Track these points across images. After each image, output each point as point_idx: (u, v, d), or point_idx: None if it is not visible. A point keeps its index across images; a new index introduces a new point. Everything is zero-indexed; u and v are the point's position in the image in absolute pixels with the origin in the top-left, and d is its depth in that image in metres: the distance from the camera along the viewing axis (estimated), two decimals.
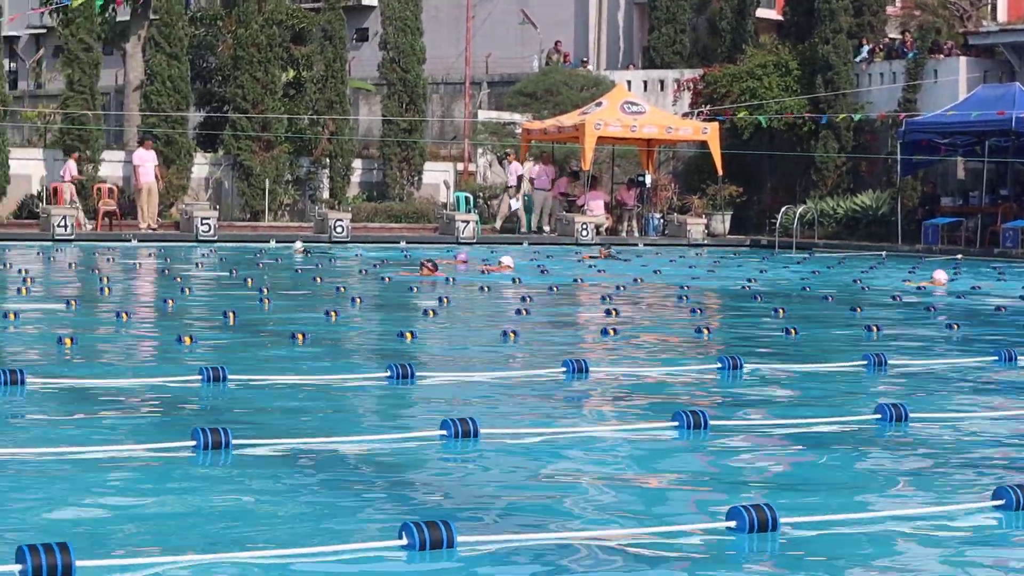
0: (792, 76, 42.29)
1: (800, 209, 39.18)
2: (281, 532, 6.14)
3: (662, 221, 40.94)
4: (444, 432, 8.18)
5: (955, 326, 16.02)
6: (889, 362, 12.19)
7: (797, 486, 7.47)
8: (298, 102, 41.74)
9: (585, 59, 51.09)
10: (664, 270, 27.13)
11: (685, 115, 43.72)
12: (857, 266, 30.04)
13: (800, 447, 8.50)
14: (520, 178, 41.10)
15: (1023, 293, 21.77)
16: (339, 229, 36.05)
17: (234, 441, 7.73)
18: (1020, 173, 37.61)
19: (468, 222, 37.60)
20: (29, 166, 38.95)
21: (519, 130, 43.24)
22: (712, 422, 8.74)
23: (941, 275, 23.58)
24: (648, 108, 40.54)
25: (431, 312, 16.63)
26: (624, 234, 40.09)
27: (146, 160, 36.71)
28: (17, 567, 5.17)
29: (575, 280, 23.41)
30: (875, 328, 15.43)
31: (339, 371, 11.09)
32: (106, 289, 19.36)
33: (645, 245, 38.33)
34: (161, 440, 7.92)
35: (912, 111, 39.53)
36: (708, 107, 43.32)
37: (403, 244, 35.53)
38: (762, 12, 49.44)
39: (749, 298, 20.73)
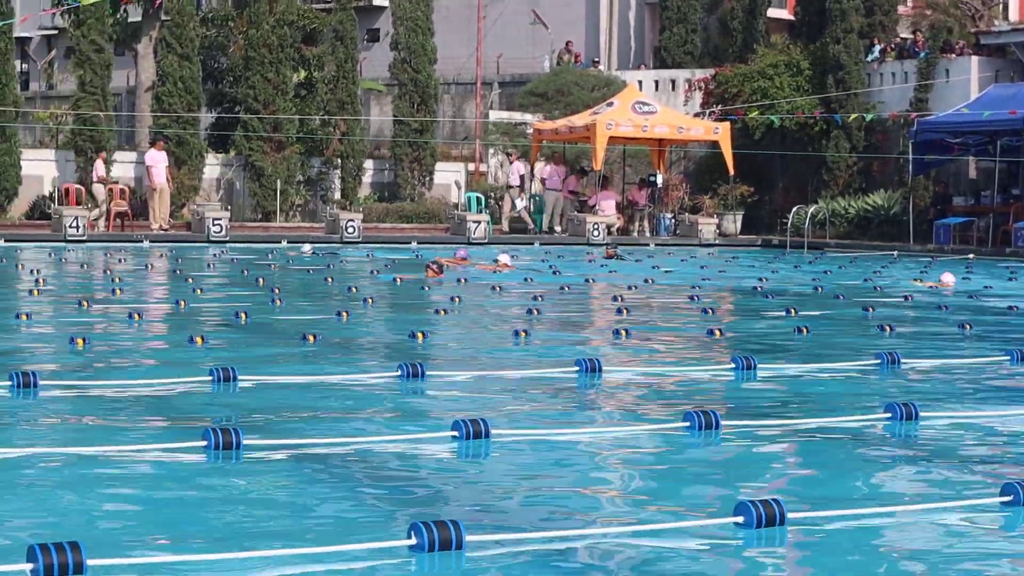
0: (803, 76, 42.25)
1: (812, 209, 39.12)
2: (290, 531, 6.15)
3: (673, 221, 40.92)
4: (455, 433, 8.18)
5: (968, 326, 15.99)
6: (902, 361, 12.18)
7: (806, 483, 7.47)
8: (309, 103, 41.76)
9: (596, 59, 51.09)
10: (675, 270, 27.11)
11: (696, 115, 43.70)
12: (869, 266, 30.00)
13: (810, 445, 8.49)
14: (523, 177, 41.13)
15: None
16: (351, 229, 36.05)
17: (244, 441, 7.74)
18: None
19: (479, 222, 37.60)
20: (41, 167, 39.00)
21: (530, 130, 43.23)
22: (724, 422, 8.73)
23: (949, 277, 23.54)
24: (659, 108, 40.52)
25: (442, 311, 16.63)
26: (635, 234, 40.08)
27: (159, 161, 36.77)
28: (28, 566, 5.18)
29: (586, 280, 23.40)
30: (888, 328, 15.43)
31: (350, 371, 11.10)
32: (118, 290, 19.38)
33: (656, 245, 38.31)
34: (172, 440, 7.94)
35: (924, 111, 39.47)
36: (719, 107, 43.29)
37: (414, 244, 35.54)
38: (773, 12, 49.43)
39: (761, 298, 20.72)
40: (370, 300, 18.18)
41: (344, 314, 15.79)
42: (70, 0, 38.22)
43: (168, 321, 15.99)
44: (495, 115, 47.24)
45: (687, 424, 8.66)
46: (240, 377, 10.22)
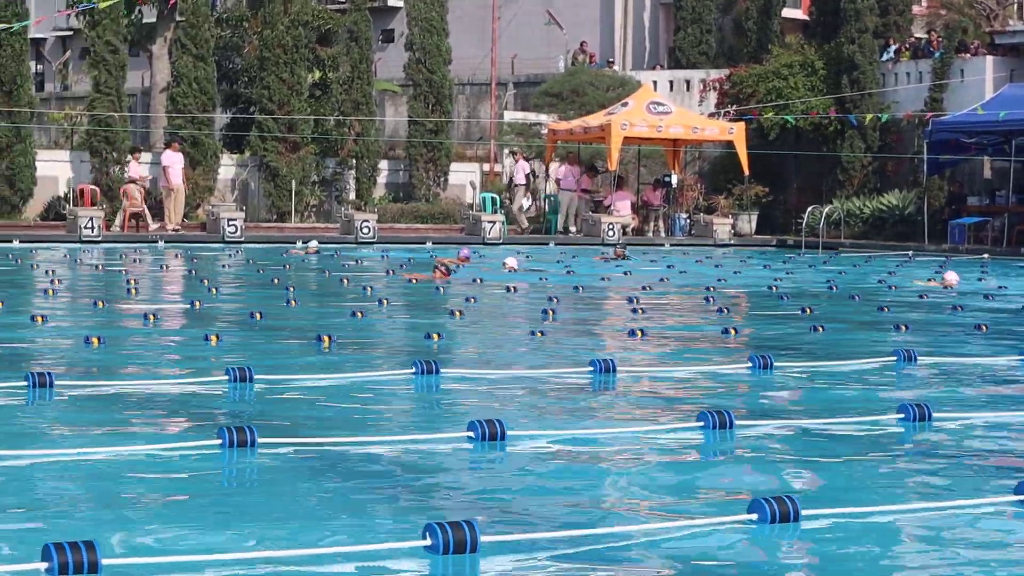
0: (818, 76, 42.21)
1: (826, 209, 39.09)
2: (305, 531, 6.14)
3: (688, 221, 40.90)
4: (471, 433, 8.17)
5: (983, 327, 15.95)
6: (917, 360, 12.17)
7: (820, 481, 7.46)
8: (324, 103, 41.79)
9: (611, 59, 51.08)
10: (690, 270, 27.09)
11: (711, 115, 43.67)
12: (883, 266, 29.96)
13: (825, 444, 8.48)
14: (528, 176, 41.10)
15: None
16: (365, 230, 36.08)
17: (259, 440, 7.75)
18: None
19: (494, 223, 37.60)
20: (56, 168, 39.06)
21: (545, 131, 43.22)
22: (739, 422, 8.72)
23: (952, 276, 23.49)
24: (674, 108, 40.49)
25: (458, 312, 16.64)
26: (650, 234, 40.07)
27: (175, 162, 36.82)
28: (43, 565, 5.19)
29: (602, 279, 23.39)
30: (903, 327, 15.41)
31: (364, 370, 11.10)
32: (133, 290, 19.42)
33: (671, 245, 38.29)
34: (187, 439, 7.95)
35: (938, 111, 39.41)
36: (734, 107, 43.26)
37: (429, 245, 35.54)
38: (788, 12, 49.39)
39: (776, 298, 20.70)
40: (385, 301, 18.19)
41: (359, 313, 15.80)
42: (85, 1, 38.30)
43: (183, 321, 15.99)
44: (510, 115, 47.25)
45: (701, 424, 8.66)
46: (256, 376, 10.22)
